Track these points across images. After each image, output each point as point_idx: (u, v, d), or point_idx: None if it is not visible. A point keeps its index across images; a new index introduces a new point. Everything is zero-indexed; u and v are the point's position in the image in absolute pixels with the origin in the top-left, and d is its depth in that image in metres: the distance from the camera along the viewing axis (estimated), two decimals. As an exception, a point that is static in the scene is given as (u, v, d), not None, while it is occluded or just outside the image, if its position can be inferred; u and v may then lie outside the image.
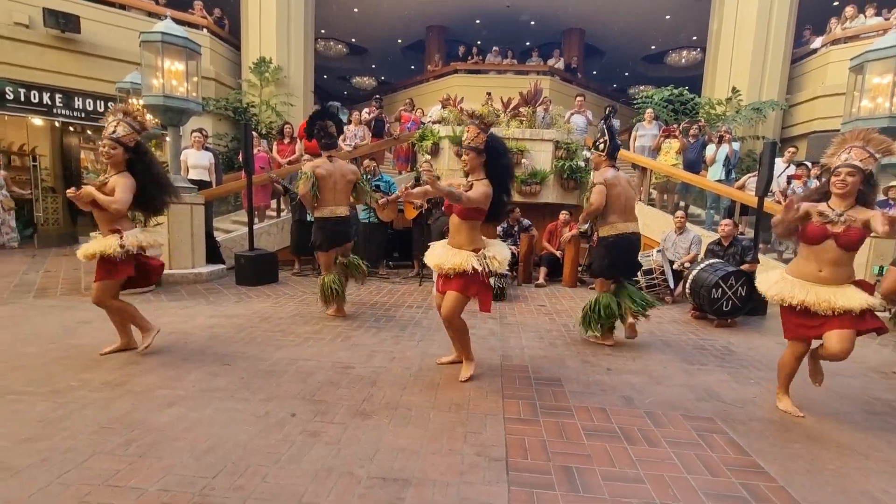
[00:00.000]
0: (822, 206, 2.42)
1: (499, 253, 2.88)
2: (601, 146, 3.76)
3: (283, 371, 2.92)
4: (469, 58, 14.09)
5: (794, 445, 2.27)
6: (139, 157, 3.02)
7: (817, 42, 10.16)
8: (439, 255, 2.87)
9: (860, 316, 2.36)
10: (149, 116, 7.01)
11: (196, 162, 6.63)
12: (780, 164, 6.91)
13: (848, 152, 2.39)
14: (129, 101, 7.17)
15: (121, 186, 2.89)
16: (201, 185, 6.42)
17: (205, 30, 10.08)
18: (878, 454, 2.23)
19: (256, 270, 5.62)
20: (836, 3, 11.15)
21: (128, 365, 2.92)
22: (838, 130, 5.52)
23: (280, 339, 3.59)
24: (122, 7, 9.30)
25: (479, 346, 3.66)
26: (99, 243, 2.94)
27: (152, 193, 3.07)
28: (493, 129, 8.42)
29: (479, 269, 2.75)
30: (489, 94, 9.75)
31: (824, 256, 2.42)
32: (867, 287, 2.46)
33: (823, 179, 2.56)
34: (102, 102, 8.71)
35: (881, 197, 5.72)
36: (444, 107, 9.14)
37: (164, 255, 5.33)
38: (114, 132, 2.92)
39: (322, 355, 3.25)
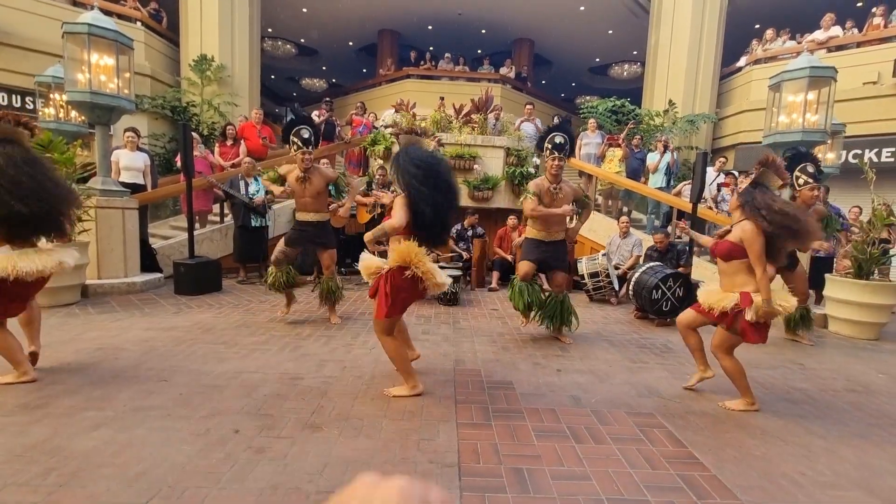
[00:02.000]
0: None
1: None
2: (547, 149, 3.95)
3: (226, 385, 2.77)
4: (421, 63, 14.13)
5: (725, 435, 2.43)
6: None
7: (742, 61, 11.05)
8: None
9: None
10: (74, 113, 6.54)
11: (129, 163, 6.19)
12: (711, 172, 7.43)
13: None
14: (52, 96, 6.61)
15: None
16: (135, 188, 6.00)
17: (139, 23, 9.47)
18: (796, 439, 2.43)
19: (197, 279, 5.32)
20: (757, 26, 12.18)
21: (48, 385, 2.66)
22: (760, 142, 6.02)
23: (223, 351, 3.41)
24: (43, -6, 8.56)
25: (433, 351, 3.66)
26: None
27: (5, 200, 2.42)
28: (444, 135, 8.46)
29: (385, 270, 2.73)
30: (442, 99, 9.81)
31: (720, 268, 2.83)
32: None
33: (738, 194, 2.90)
34: (19, 97, 7.96)
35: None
36: (397, 111, 9.10)
37: (91, 263, 4.93)
38: None
39: (269, 367, 3.12)
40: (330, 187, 4.35)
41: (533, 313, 4.12)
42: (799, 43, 9.90)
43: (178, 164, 6.36)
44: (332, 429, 2.30)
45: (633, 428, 2.47)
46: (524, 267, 4.04)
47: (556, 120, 9.90)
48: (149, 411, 2.40)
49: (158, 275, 5.69)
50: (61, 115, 6.60)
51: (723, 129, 11.04)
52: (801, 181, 4.22)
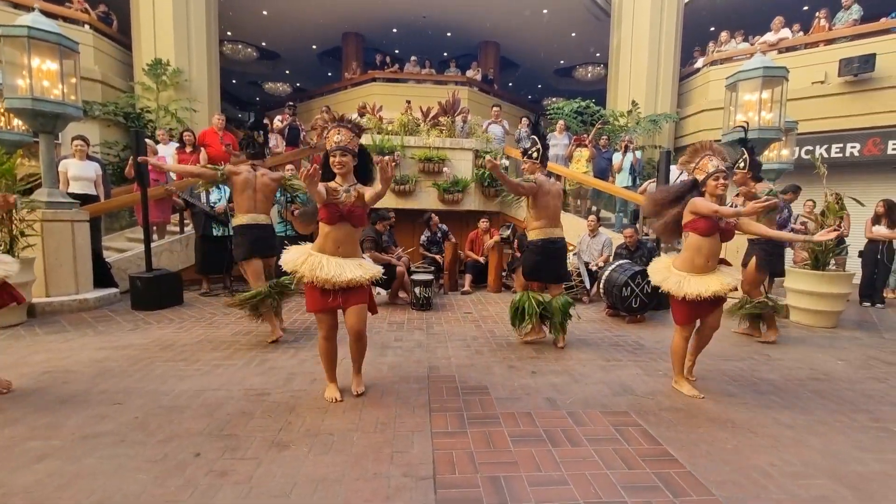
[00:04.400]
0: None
1: (372, 269, 2.74)
2: (534, 154, 3.88)
3: (186, 405, 2.62)
4: (386, 66, 14.01)
5: (697, 430, 2.45)
6: None
7: (700, 62, 11.45)
8: (327, 267, 2.55)
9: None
10: (16, 121, 6.13)
11: (78, 173, 5.84)
12: (674, 170, 7.63)
13: (711, 160, 2.82)
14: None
15: None
16: (86, 199, 5.66)
17: (87, 26, 9.01)
18: (765, 430, 2.48)
19: (156, 293, 5.05)
20: (712, 29, 12.65)
21: (-15, 416, 2.45)
22: (720, 140, 6.21)
23: (184, 368, 3.23)
24: (-20, -5, 8.04)
25: (406, 358, 3.58)
26: None
27: None
28: (414, 138, 8.44)
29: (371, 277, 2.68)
30: (408, 102, 9.74)
31: (713, 249, 2.83)
32: (727, 264, 2.99)
33: (685, 178, 2.96)
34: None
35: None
36: (361, 115, 8.97)
37: (37, 280, 4.62)
38: None
39: (233, 383, 2.97)
40: (293, 194, 4.22)
41: (527, 322, 4.01)
42: (752, 45, 10.33)
43: (130, 172, 6.06)
44: (300, 446, 2.19)
45: (609, 427, 2.46)
46: (525, 284, 4.04)
47: (534, 118, 9.95)
48: (100, 438, 2.23)
49: (114, 290, 5.39)
50: (2, 123, 6.18)
51: (684, 128, 11.39)
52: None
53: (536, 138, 3.91)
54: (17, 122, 6.20)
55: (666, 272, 2.93)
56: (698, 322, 2.99)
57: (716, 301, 2.86)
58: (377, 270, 2.73)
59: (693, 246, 2.84)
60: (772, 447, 2.29)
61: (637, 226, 6.85)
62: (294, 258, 2.62)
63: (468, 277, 6.84)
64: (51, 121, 4.76)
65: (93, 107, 8.40)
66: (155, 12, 9.58)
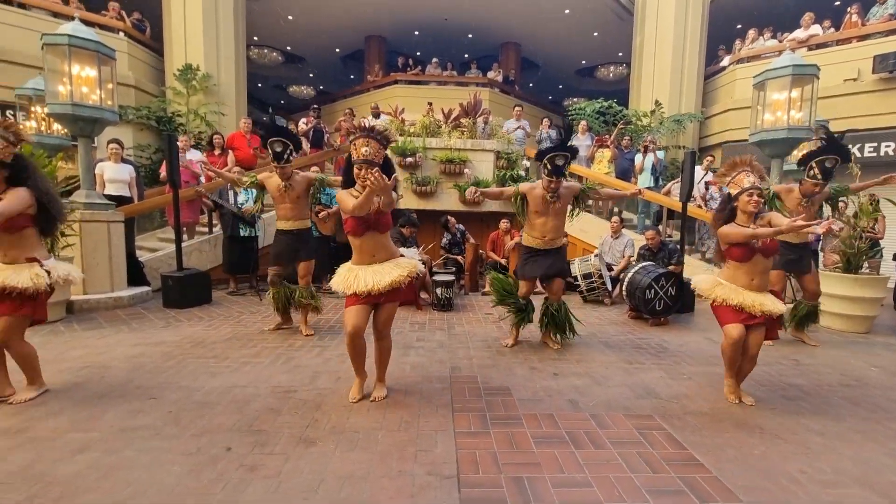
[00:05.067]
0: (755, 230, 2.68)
1: (412, 257, 2.87)
2: (549, 165, 3.61)
3: (216, 401, 2.71)
4: (408, 69, 14.12)
5: (724, 435, 2.42)
6: (21, 173, 2.64)
7: (726, 60, 11.19)
8: (367, 277, 2.61)
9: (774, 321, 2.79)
10: (57, 126, 6.42)
11: (114, 176, 6.08)
12: (699, 171, 7.49)
13: (748, 175, 2.76)
14: (33, 109, 6.49)
15: (12, 194, 2.53)
16: (120, 200, 5.89)
17: (122, 33, 9.35)
18: (795, 437, 2.42)
19: (186, 291, 5.23)
20: (739, 26, 12.35)
21: (30, 408, 2.58)
22: (747, 140, 6.07)
23: (214, 365, 3.34)
24: (22, 6, 8.41)
25: (428, 358, 3.62)
26: (13, 274, 2.54)
27: (47, 212, 2.71)
28: (435, 140, 8.51)
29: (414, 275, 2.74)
30: (430, 104, 9.80)
31: (755, 268, 2.76)
32: (778, 296, 2.88)
33: (722, 194, 2.93)
34: (0, 110, 7.80)
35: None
36: (376, 116, 9.07)
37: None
38: None
39: (261, 380, 3.06)
40: (316, 194, 4.26)
41: (519, 323, 4.06)
42: (780, 42, 10.04)
43: (164, 174, 6.27)
44: (327, 443, 2.25)
45: (633, 430, 2.44)
46: (524, 287, 4.00)
47: (545, 120, 9.89)
48: (137, 431, 2.33)
49: (146, 288, 5.59)
50: (43, 127, 6.48)
51: (709, 128, 11.15)
52: (811, 173, 3.94)
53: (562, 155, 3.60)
54: (56, 126, 6.49)
55: (713, 282, 2.89)
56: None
57: (759, 322, 2.74)
58: (415, 265, 2.76)
59: (733, 265, 2.83)
60: (801, 454, 2.24)
61: (659, 227, 6.75)
62: (341, 279, 2.69)
63: (489, 278, 6.84)
64: (89, 125, 4.98)
65: (127, 111, 8.71)
66: (186, 18, 9.89)
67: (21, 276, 2.54)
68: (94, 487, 1.85)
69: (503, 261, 6.98)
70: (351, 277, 2.65)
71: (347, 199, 2.56)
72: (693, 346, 4.10)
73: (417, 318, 5.09)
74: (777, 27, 10.75)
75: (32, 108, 6.49)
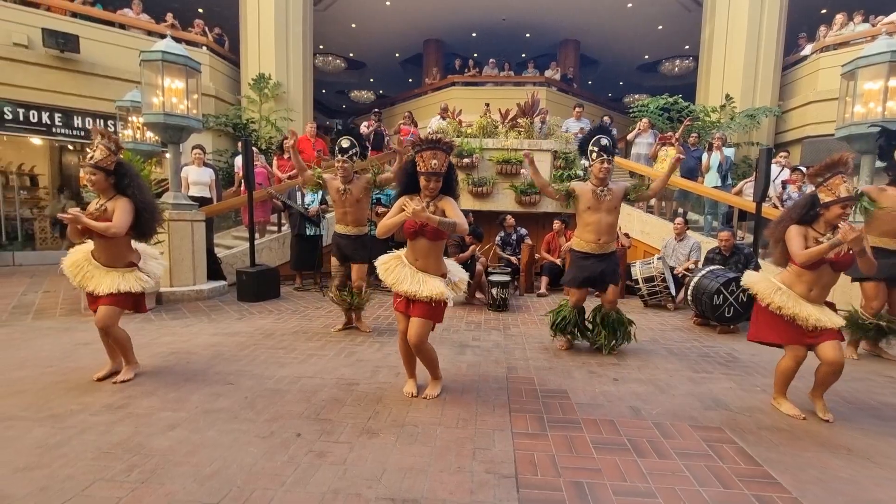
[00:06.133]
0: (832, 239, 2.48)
1: (459, 275, 2.83)
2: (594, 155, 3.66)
3: (286, 389, 2.90)
4: (466, 70, 14.21)
5: (804, 454, 2.25)
6: (123, 179, 2.93)
7: (807, 49, 10.29)
8: (408, 281, 2.65)
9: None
10: (149, 134, 7.11)
11: (197, 179, 6.65)
12: (775, 168, 6.95)
13: (845, 180, 2.51)
14: (130, 119, 7.22)
15: (120, 209, 2.87)
16: (202, 201, 6.43)
17: (204, 48, 10.17)
18: (889, 461, 2.21)
19: (258, 286, 5.61)
20: (824, 12, 11.32)
21: (129, 387, 2.89)
22: (832, 135, 5.56)
23: (283, 356, 3.56)
24: (122, 26, 9.39)
25: (484, 358, 3.65)
26: (122, 281, 2.93)
27: (145, 217, 3.00)
28: (492, 140, 8.51)
29: (449, 297, 2.71)
30: (487, 105, 9.82)
31: (819, 280, 2.57)
32: (834, 308, 2.67)
33: (801, 194, 2.68)
34: (102, 121, 8.75)
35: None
36: (443, 118, 9.20)
37: (164, 272, 5.32)
38: (91, 157, 2.86)
39: (326, 372, 3.23)
40: (376, 195, 4.39)
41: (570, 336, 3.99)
42: (874, 25, 9.09)
43: (241, 175, 6.74)
44: (388, 435, 2.34)
45: (700, 443, 2.33)
46: (575, 295, 3.91)
47: (605, 120, 9.62)
48: (218, 413, 2.55)
49: (223, 282, 6.05)
50: (138, 136, 7.19)
51: (786, 123, 10.31)
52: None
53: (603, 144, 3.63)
54: (149, 134, 7.19)
55: (772, 287, 2.69)
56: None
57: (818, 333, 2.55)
58: (443, 291, 2.66)
59: (794, 269, 2.61)
60: (897, 481, 2.04)
61: (733, 229, 6.33)
62: (386, 262, 2.77)
63: (544, 280, 6.76)
64: (177, 133, 5.47)
65: (208, 119, 9.46)
66: (260, 30, 10.60)
67: (130, 282, 2.95)
68: (183, 462, 2.05)
69: (558, 261, 6.86)
70: (401, 275, 2.69)
71: (394, 209, 2.68)
72: (767, 357, 3.82)
73: (473, 317, 5.13)
74: (869, 10, 9.73)
75: (129, 118, 7.22)
